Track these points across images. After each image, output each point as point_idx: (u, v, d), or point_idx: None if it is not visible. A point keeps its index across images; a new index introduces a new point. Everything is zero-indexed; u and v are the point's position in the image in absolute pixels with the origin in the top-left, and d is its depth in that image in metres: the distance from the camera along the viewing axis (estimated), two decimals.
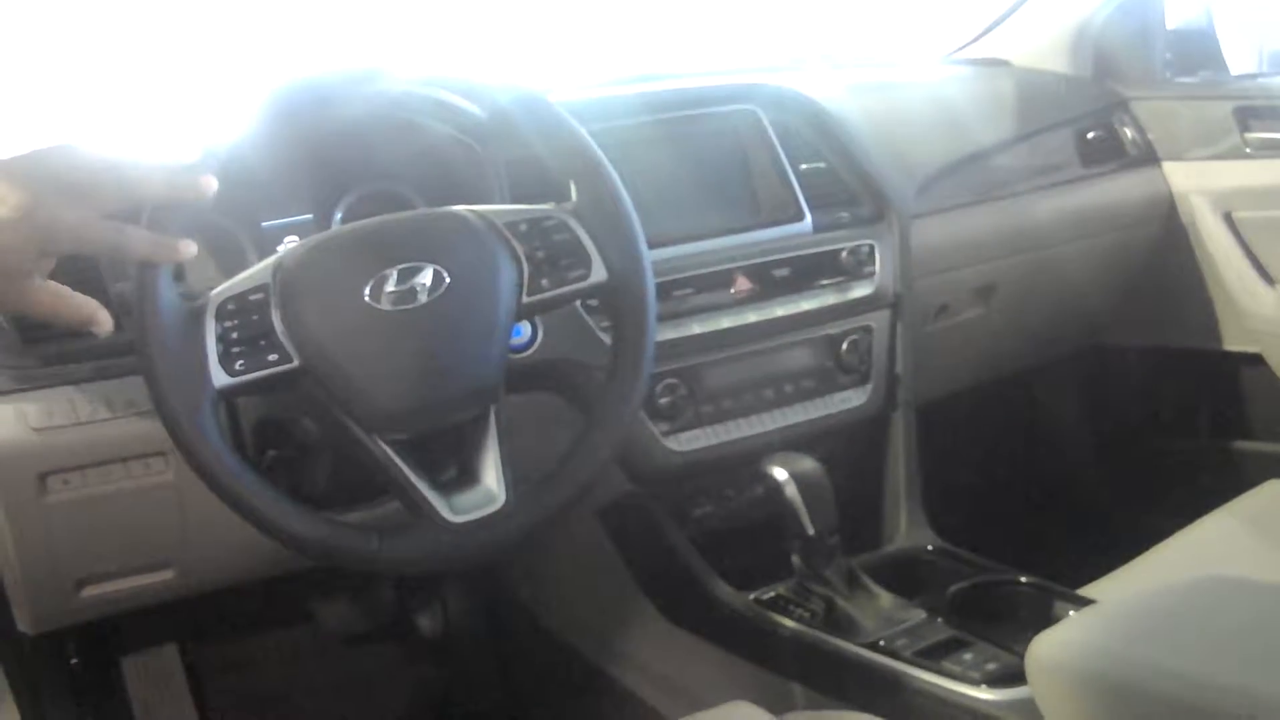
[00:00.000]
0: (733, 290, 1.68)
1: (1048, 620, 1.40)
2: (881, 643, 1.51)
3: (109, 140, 1.07)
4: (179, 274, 1.17)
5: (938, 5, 2.58)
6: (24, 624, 1.44)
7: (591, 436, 1.27)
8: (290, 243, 1.30)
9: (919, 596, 1.61)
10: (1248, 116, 2.17)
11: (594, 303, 1.47)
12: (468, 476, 1.22)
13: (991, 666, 1.43)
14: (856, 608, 1.57)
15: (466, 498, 1.19)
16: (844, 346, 1.76)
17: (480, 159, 1.54)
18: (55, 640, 1.68)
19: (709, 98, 1.79)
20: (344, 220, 1.52)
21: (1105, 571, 1.60)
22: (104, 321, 1.09)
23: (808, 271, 1.73)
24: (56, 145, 1.04)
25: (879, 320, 1.80)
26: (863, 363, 1.79)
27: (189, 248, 1.10)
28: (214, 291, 1.15)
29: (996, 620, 1.55)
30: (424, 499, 1.17)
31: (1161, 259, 2.26)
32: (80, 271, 1.32)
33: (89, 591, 1.41)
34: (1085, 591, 1.55)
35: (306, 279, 1.16)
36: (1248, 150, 2.16)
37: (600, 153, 1.29)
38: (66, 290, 1.08)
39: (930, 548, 1.80)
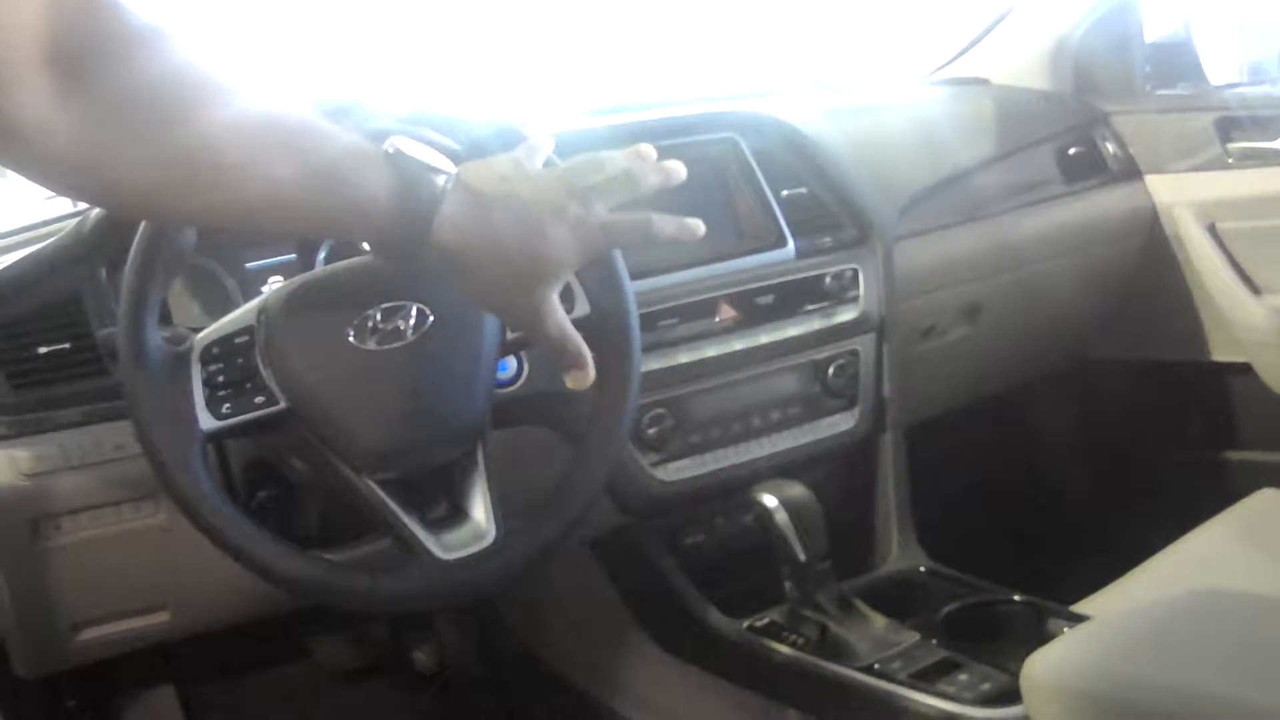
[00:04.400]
0: (717, 319, 1.67)
1: (1042, 638, 1.39)
2: (876, 666, 1.50)
3: None
4: (165, 317, 1.17)
5: (915, 25, 2.59)
6: (19, 668, 1.44)
7: (580, 471, 1.27)
8: (275, 283, 1.30)
9: (912, 618, 1.60)
10: (1229, 127, 2.17)
11: None
12: (457, 513, 1.22)
13: (986, 686, 1.43)
14: (850, 632, 1.56)
15: (456, 535, 1.19)
16: (830, 371, 1.76)
17: None
18: (51, 683, 1.68)
19: (688, 126, 1.79)
20: (327, 260, 1.51)
21: (1099, 587, 1.59)
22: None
23: (792, 298, 1.73)
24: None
25: (865, 344, 1.80)
26: (850, 387, 1.78)
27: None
28: (199, 336, 1.15)
29: (990, 640, 1.55)
30: (414, 537, 1.17)
31: (1147, 273, 2.26)
32: (66, 316, 1.33)
33: (84, 635, 1.41)
34: (1079, 608, 1.55)
35: (291, 320, 1.16)
36: (1230, 161, 2.16)
37: None
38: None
39: (922, 569, 1.80)
